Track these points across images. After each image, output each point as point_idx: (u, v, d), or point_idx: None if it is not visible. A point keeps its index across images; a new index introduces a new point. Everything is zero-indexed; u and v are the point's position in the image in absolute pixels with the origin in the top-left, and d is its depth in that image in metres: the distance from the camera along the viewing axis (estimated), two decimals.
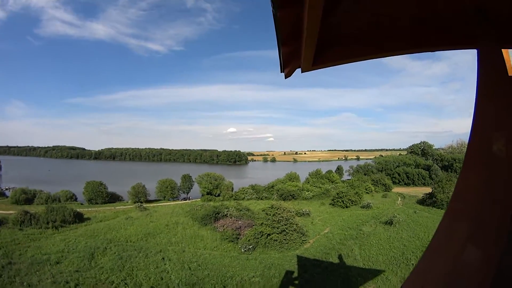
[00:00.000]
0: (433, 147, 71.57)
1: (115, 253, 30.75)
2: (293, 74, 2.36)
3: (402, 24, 2.12)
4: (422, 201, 43.05)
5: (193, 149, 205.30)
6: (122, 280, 25.44)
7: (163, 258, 29.88)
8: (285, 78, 2.35)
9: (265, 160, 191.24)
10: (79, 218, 40.47)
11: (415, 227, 33.79)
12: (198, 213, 40.97)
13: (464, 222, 1.77)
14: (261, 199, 49.72)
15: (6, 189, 60.04)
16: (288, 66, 2.23)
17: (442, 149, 74.12)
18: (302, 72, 2.28)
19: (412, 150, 72.33)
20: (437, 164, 61.61)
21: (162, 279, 26.01)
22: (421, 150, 69.91)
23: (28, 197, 48.50)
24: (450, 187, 39.13)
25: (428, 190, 45.01)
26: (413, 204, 43.88)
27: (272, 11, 1.61)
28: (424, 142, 71.17)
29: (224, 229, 35.00)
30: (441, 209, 38.32)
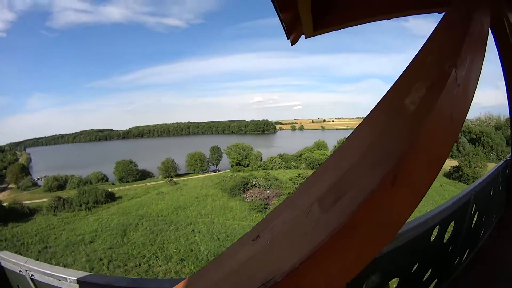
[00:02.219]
0: None
1: (146, 228, 38.19)
2: (298, 40, 2.96)
3: None
4: (448, 175, 51.52)
5: (221, 121, 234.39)
6: (153, 254, 32.36)
7: (193, 230, 37.13)
8: (292, 44, 2.94)
9: (293, 129, 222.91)
10: (111, 197, 49.97)
11: (441, 201, 34.71)
12: (227, 185, 49.00)
13: None
14: (290, 168, 58.86)
15: (38, 179, 75.01)
16: (291, 32, 2.77)
17: (470, 121, 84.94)
18: (306, 38, 2.84)
19: None
20: (464, 136, 71.84)
21: (191, 250, 32.79)
22: None
23: (60, 184, 60.85)
24: (477, 161, 48.60)
25: (455, 163, 53.13)
26: (440, 177, 47.86)
27: None
28: None
29: (252, 200, 42.33)
30: (467, 184, 42.99)
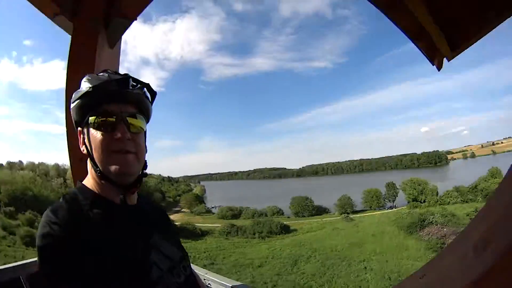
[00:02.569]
0: None
1: (318, 260, 39.84)
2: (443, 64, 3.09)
3: None
4: None
5: (392, 156, 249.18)
6: (320, 286, 33.60)
7: (365, 268, 37.05)
8: (438, 70, 3.05)
9: (465, 157, 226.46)
10: (285, 229, 53.69)
11: None
12: (404, 222, 49.17)
13: None
14: (466, 202, 56.33)
15: (212, 207, 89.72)
16: (434, 58, 2.92)
17: None
18: (448, 61, 2.90)
19: None
20: None
21: (360, 287, 32.89)
22: None
23: (234, 213, 69.52)
24: None
25: None
26: None
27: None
28: None
29: (429, 238, 42.22)
30: None
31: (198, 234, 52.65)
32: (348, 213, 61.38)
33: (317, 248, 43.86)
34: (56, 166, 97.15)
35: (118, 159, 0.90)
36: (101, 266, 0.79)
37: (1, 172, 74.50)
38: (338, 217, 60.85)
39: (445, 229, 42.76)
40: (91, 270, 0.77)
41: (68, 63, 1.90)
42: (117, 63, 2.27)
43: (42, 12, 1.84)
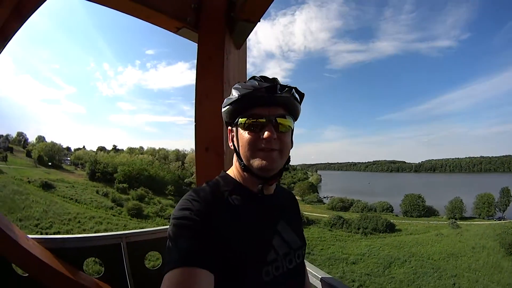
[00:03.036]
0: None
1: (412, 267, 38.22)
2: None
3: None
4: None
5: None
6: None
7: (454, 284, 34.52)
8: None
9: None
10: (390, 228, 51.84)
11: None
12: (508, 238, 43.42)
13: None
14: None
15: (324, 197, 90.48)
16: None
17: None
18: None
19: None
20: None
21: None
22: None
23: (344, 205, 68.93)
24: None
25: None
26: None
27: None
28: None
29: None
30: None
31: (304, 223, 53.34)
32: (456, 219, 55.79)
33: (415, 253, 41.79)
34: (176, 151, 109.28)
35: (263, 155, 1.02)
36: (227, 242, 0.91)
37: (120, 156, 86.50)
38: (445, 222, 55.97)
39: None
40: (219, 243, 0.89)
41: (197, 67, 2.07)
42: (244, 61, 2.39)
43: (166, 29, 2.01)
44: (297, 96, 1.10)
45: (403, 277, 35.27)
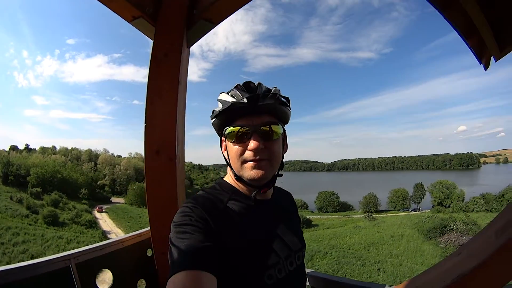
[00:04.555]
0: None
1: (334, 258, 40.44)
2: (490, 63, 3.19)
3: None
4: None
5: (425, 155, 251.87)
6: None
7: (379, 269, 37.45)
8: (485, 69, 3.30)
9: (497, 162, 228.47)
10: (307, 224, 54.65)
11: None
12: (425, 226, 49.07)
13: None
14: (490, 211, 55.81)
15: None
16: (482, 57, 3.18)
17: None
18: (496, 61, 3.03)
19: None
20: None
21: None
22: None
23: None
24: None
25: None
26: None
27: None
28: None
29: (446, 245, 41.93)
30: None
31: None
32: (371, 212, 61.57)
33: (335, 245, 44.80)
34: (89, 151, 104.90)
35: (251, 167, 1.01)
36: (228, 247, 0.91)
37: (32, 156, 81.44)
38: (361, 215, 61.31)
39: (464, 238, 41.96)
40: (220, 248, 0.89)
41: (150, 64, 1.94)
42: (188, 60, 2.28)
43: (120, 16, 1.85)
44: (283, 100, 1.08)
45: (327, 267, 37.43)
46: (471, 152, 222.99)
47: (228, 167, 1.13)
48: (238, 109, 1.01)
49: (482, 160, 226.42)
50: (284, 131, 1.13)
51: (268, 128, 1.04)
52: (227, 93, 1.06)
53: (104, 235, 48.42)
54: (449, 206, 62.83)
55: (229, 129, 1.05)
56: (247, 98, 0.99)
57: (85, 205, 63.00)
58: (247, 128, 1.02)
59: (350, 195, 75.14)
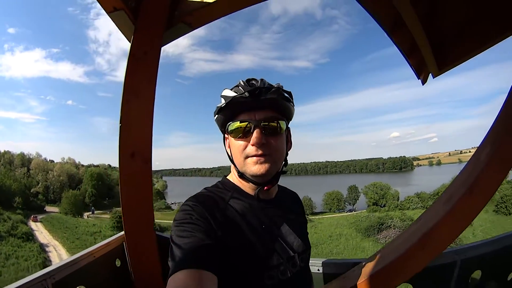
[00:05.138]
0: None
1: None
2: (428, 79, 3.47)
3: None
4: None
5: (358, 159, 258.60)
6: None
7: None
8: (422, 84, 3.46)
9: (431, 164, 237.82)
10: None
11: None
12: (362, 225, 50.51)
13: None
14: (426, 208, 52.81)
15: (172, 203, 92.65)
16: (420, 73, 3.33)
17: None
18: (434, 77, 3.22)
19: None
20: None
21: None
22: None
23: None
24: None
25: None
26: None
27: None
28: None
29: (385, 241, 42.56)
30: None
31: (157, 230, 54.00)
32: (307, 214, 63.28)
33: None
34: (21, 155, 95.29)
35: (254, 162, 0.99)
36: (228, 245, 0.90)
37: None
38: None
39: None
40: (221, 246, 0.88)
41: (128, 61, 1.85)
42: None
43: (101, 4, 1.75)
44: (286, 95, 1.06)
45: None
46: (404, 156, 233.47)
47: (231, 165, 1.11)
48: (240, 103, 1.00)
49: (415, 163, 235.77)
50: (287, 127, 1.11)
51: (271, 123, 1.02)
52: (230, 89, 1.04)
53: (42, 248, 44.53)
54: (384, 206, 65.75)
55: (231, 124, 1.03)
56: (248, 91, 0.98)
57: (20, 215, 58.13)
58: (249, 123, 1.00)
59: None
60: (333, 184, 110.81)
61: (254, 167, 0.99)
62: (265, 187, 1.06)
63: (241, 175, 1.05)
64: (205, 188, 1.09)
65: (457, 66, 3.25)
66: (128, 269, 2.10)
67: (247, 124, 1.00)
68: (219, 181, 1.15)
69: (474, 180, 1.76)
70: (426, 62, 3.09)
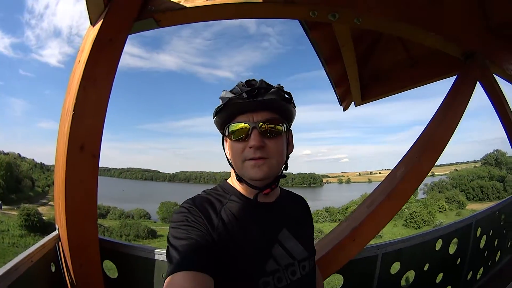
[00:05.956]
0: (507, 155, 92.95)
1: None
2: (349, 107, 4.06)
3: (428, 57, 3.89)
4: None
5: None
6: None
7: None
8: (343, 110, 3.89)
9: (340, 182, 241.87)
10: (152, 234, 52.52)
11: None
12: None
13: None
14: (335, 221, 62.12)
15: None
16: (344, 101, 3.75)
17: None
18: (355, 106, 3.58)
19: (486, 161, 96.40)
20: (511, 173, 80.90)
21: None
22: (495, 160, 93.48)
23: (102, 212, 64.97)
24: None
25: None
26: None
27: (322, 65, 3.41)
28: (497, 151, 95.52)
29: None
30: None
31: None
32: None
33: None
34: None
35: (252, 165, 0.96)
36: (224, 249, 0.88)
37: None
38: None
39: None
40: (217, 249, 0.86)
41: (93, 46, 1.70)
42: None
43: None
44: (286, 96, 1.03)
45: None
46: (314, 172, 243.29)
47: (230, 168, 1.08)
48: (238, 104, 0.98)
49: (325, 180, 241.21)
50: (288, 129, 1.09)
51: (269, 125, 0.99)
52: (229, 91, 1.02)
53: None
54: None
55: (229, 126, 1.01)
56: (246, 92, 0.95)
57: None
58: (248, 125, 0.97)
59: None
60: None
61: (252, 171, 0.96)
62: (264, 191, 1.02)
63: (240, 178, 1.02)
64: (203, 191, 1.07)
65: (378, 100, 4.14)
66: (63, 276, 1.88)
67: (245, 125, 0.97)
68: (218, 184, 1.13)
69: (392, 190, 2.24)
70: (351, 93, 3.48)
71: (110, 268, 2.19)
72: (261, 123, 0.97)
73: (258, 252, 0.96)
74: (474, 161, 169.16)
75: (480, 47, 2.92)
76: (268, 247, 0.99)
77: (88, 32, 1.82)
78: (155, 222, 67.17)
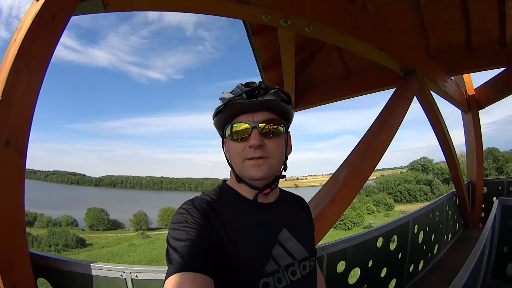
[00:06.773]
0: (433, 162, 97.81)
1: None
2: None
3: (365, 70, 4.37)
4: None
5: (194, 178, 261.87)
6: None
7: None
8: None
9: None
10: (81, 243, 48.99)
11: None
12: None
13: None
14: None
15: None
16: None
17: (443, 162, 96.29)
18: None
19: (413, 167, 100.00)
20: (438, 178, 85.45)
21: None
22: (421, 166, 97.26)
23: (28, 220, 58.49)
24: None
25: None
26: None
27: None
28: (424, 158, 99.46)
29: None
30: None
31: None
32: (143, 230, 61.67)
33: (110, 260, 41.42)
34: None
35: (252, 165, 0.96)
36: (223, 250, 0.88)
37: None
38: (134, 233, 60.20)
39: None
40: (216, 250, 0.85)
41: (32, 23, 1.50)
42: None
43: None
44: (285, 97, 1.04)
45: None
46: None
47: (230, 169, 1.09)
48: (237, 105, 0.99)
49: None
50: (287, 130, 1.11)
51: (269, 125, 1.01)
52: (229, 92, 1.03)
53: None
54: None
55: (229, 127, 1.02)
56: (246, 92, 0.97)
57: None
58: (247, 125, 0.99)
59: (119, 212, 72.63)
60: (168, 200, 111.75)
61: (252, 170, 0.97)
62: (264, 191, 1.04)
63: (239, 179, 1.03)
64: (203, 192, 1.06)
65: (310, 108, 4.42)
66: None
67: (245, 126, 0.99)
68: (218, 185, 1.13)
69: (336, 193, 2.34)
70: None
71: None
72: (261, 123, 0.98)
73: (258, 253, 0.96)
74: (401, 167, 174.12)
75: (419, 65, 3.26)
76: (268, 248, 0.99)
77: (31, 8, 1.59)
78: (83, 230, 62.03)
